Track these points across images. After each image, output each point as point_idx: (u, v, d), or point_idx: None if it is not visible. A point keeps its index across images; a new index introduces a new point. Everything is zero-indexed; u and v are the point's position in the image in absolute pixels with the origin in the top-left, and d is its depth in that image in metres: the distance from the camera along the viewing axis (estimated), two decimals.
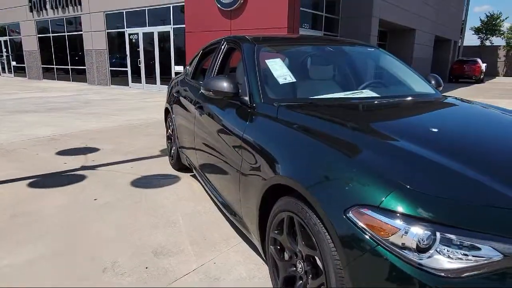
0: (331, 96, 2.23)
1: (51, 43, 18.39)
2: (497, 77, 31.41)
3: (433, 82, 2.77)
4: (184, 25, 12.11)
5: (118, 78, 15.71)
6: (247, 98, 2.19)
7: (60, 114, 7.82)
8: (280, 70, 2.31)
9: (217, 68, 2.92)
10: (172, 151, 3.99)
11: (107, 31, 15.40)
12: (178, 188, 3.46)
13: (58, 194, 3.26)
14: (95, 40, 15.92)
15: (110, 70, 15.83)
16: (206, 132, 2.67)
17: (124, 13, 14.52)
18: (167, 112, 4.16)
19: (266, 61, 2.38)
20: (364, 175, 1.26)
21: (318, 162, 1.44)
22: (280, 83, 2.24)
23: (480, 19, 47.45)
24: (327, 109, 1.98)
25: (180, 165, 3.85)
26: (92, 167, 4.08)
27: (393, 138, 1.51)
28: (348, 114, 1.94)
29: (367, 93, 2.32)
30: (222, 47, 2.97)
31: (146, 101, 10.50)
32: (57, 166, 4.11)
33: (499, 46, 35.06)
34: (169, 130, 4.10)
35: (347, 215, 1.22)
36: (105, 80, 16.08)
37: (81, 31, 16.40)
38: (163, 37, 13.58)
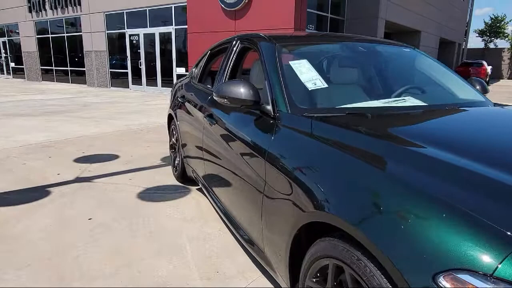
0: (372, 105, 1.86)
1: (50, 44, 18.06)
2: (501, 80, 31.06)
3: (478, 87, 2.39)
4: (186, 26, 11.76)
5: (118, 80, 15.36)
6: (269, 107, 1.83)
7: (56, 118, 7.45)
8: (307, 73, 1.94)
9: (229, 71, 2.55)
10: (176, 161, 3.62)
11: (107, 32, 15.06)
12: (183, 204, 3.09)
13: (47, 213, 2.88)
14: (95, 41, 15.57)
15: (110, 71, 15.48)
16: (217, 144, 2.30)
17: (125, 13, 14.17)
18: (170, 118, 3.79)
19: (291, 62, 2.01)
20: (462, 224, 0.89)
21: (388, 201, 1.05)
22: (309, 89, 1.87)
23: (484, 22, 47.17)
24: (378, 123, 1.60)
25: (185, 177, 3.49)
26: (88, 179, 3.70)
27: (487, 168, 1.11)
28: (409, 131, 1.55)
29: (411, 101, 1.94)
30: (235, 47, 2.61)
31: (147, 103, 10.14)
32: (49, 177, 3.74)
33: (504, 48, 34.71)
34: (173, 139, 3.73)
35: (437, 281, 0.85)
36: (105, 82, 15.73)
37: (81, 32, 16.06)
38: (165, 38, 13.23)
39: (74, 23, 16.51)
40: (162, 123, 7.00)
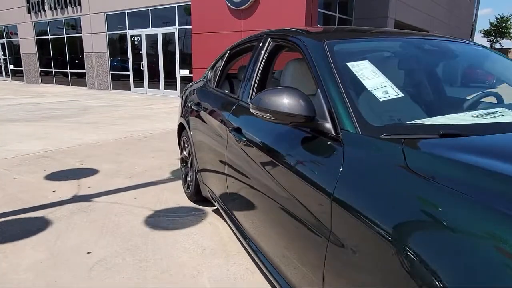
0: (465, 121, 1.39)
1: (50, 45, 17.62)
2: None
3: None
4: (190, 26, 11.32)
5: (119, 82, 14.90)
6: (328, 125, 1.36)
7: (55, 123, 6.99)
8: (373, 78, 1.48)
9: (258, 75, 2.09)
10: (189, 177, 3.16)
11: (108, 32, 14.61)
12: (200, 232, 2.62)
13: (38, 245, 2.42)
14: (95, 42, 15.12)
15: (111, 73, 15.03)
16: (248, 166, 1.84)
17: (126, 13, 13.72)
18: (181, 128, 3.33)
19: (349, 64, 1.54)
20: None
21: None
22: (380, 99, 1.41)
23: (490, 22, 46.66)
24: (500, 150, 1.12)
25: (198, 196, 3.03)
26: (88, 198, 3.24)
27: None
28: None
29: (509, 114, 1.47)
30: (264, 46, 2.15)
31: (150, 107, 9.68)
32: (43, 195, 3.28)
33: (509, 49, 34.23)
34: (185, 152, 3.26)
35: None
36: (105, 84, 15.28)
37: (81, 33, 15.62)
38: (168, 39, 12.77)
39: (74, 24, 16.07)
40: (167, 129, 6.54)
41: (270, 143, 1.65)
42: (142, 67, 13.74)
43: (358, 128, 1.27)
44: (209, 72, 3.02)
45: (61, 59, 17.27)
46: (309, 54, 1.63)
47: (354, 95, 1.40)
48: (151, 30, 13.11)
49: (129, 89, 14.48)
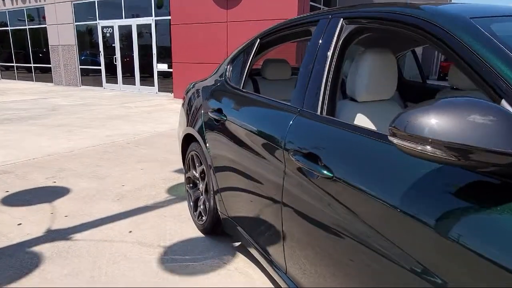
0: None
1: (10, 38, 16.11)
2: None
3: None
4: (169, 17, 10.43)
5: (90, 77, 13.75)
6: None
7: (18, 127, 6.02)
8: None
9: (328, 76, 1.42)
10: (201, 205, 2.45)
11: (75, 23, 13.40)
12: (227, 282, 1.93)
13: None
14: (61, 34, 13.86)
15: (80, 68, 13.84)
16: (332, 212, 1.17)
17: (96, 2, 12.59)
18: (188, 140, 2.60)
19: None
20: None
21: None
22: None
23: None
24: None
25: (215, 228, 2.34)
26: (65, 234, 2.46)
27: None
28: None
29: None
30: (332, 31, 1.47)
31: (127, 106, 8.77)
32: (3, 232, 2.48)
33: None
34: (194, 171, 2.53)
35: None
36: (74, 80, 14.07)
37: (45, 24, 14.29)
38: (143, 30, 11.78)
39: (37, 14, 14.71)
40: (152, 132, 5.74)
41: (392, 191, 0.99)
42: (115, 62, 12.67)
43: None
44: (228, 67, 2.30)
45: (24, 52, 15.83)
46: (463, 43, 0.98)
47: None
48: (124, 21, 12.06)
49: (101, 85, 13.38)
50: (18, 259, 2.15)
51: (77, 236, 2.44)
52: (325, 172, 1.21)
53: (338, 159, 1.20)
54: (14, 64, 16.39)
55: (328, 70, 1.43)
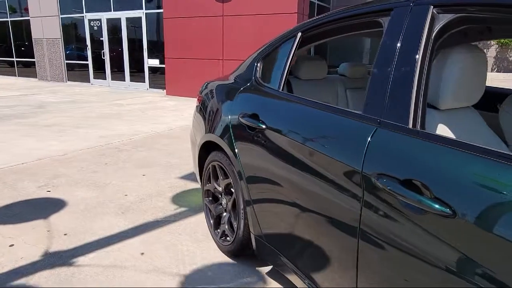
0: None
1: None
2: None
3: None
4: (161, 10, 9.98)
5: (76, 72, 13.17)
6: None
7: (2, 127, 5.57)
8: None
9: (420, 79, 1.13)
10: (226, 223, 2.13)
11: (61, 16, 12.78)
12: None
13: None
14: (46, 27, 13.22)
15: (66, 63, 13.24)
16: (452, 255, 0.89)
17: None
18: (207, 148, 2.27)
19: None
20: None
21: None
22: None
23: None
24: None
25: (243, 250, 2.03)
26: (66, 259, 2.12)
27: None
28: None
29: None
30: (419, 20, 1.18)
31: (118, 103, 8.33)
32: None
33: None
34: (215, 184, 2.21)
35: None
36: (60, 75, 13.47)
37: (28, 16, 13.62)
38: (133, 24, 11.29)
39: (20, 6, 14.01)
40: (150, 132, 5.37)
41: None
42: (103, 56, 12.14)
43: None
44: (258, 64, 1.98)
45: (5, 46, 15.09)
46: None
47: None
48: (113, 14, 11.54)
49: (88, 81, 12.83)
50: None
51: (81, 260, 2.10)
52: (438, 207, 0.92)
53: (459, 190, 0.90)
54: None
55: (419, 72, 1.13)
